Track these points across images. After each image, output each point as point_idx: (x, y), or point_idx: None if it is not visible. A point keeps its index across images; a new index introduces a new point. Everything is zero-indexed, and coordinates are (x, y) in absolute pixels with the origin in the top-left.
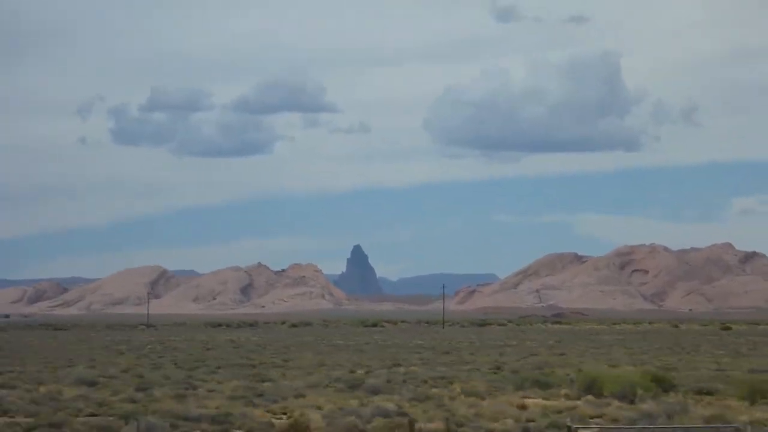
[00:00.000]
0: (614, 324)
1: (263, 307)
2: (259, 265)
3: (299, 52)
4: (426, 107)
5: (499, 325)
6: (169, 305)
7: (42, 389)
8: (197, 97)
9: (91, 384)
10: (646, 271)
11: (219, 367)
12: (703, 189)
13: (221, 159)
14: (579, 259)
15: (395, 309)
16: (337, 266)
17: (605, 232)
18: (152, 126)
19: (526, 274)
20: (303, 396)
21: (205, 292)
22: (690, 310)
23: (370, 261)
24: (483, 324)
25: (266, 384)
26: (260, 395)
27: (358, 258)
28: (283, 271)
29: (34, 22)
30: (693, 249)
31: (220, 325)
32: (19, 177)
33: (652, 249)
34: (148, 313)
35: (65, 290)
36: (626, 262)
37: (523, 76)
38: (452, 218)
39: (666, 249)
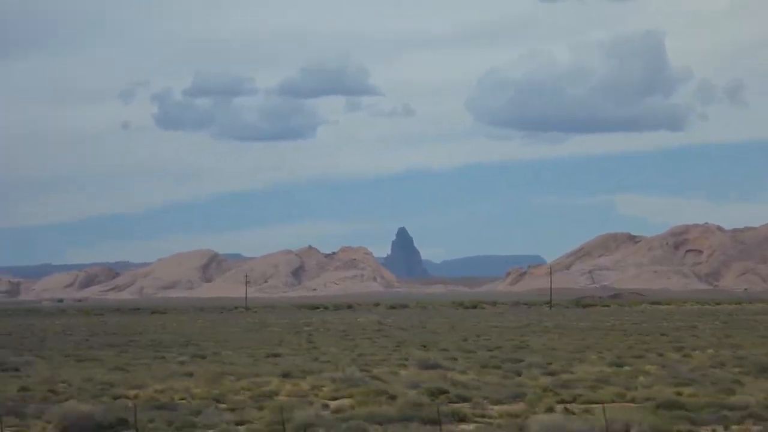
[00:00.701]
0: (681, 304)
1: (315, 290)
2: (310, 248)
3: (341, 35)
4: (469, 89)
5: (604, 306)
6: (221, 289)
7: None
8: (240, 82)
9: (433, 367)
10: (700, 251)
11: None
12: (751, 167)
13: (264, 143)
14: (632, 239)
15: (447, 291)
16: (382, 249)
17: (652, 212)
18: (196, 111)
19: (579, 254)
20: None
21: (256, 276)
22: (745, 289)
23: (415, 244)
24: (585, 305)
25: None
26: None
27: (403, 241)
28: (333, 254)
29: (77, 9)
30: (747, 228)
31: (317, 307)
32: (62, 163)
33: (706, 228)
34: (246, 297)
35: (117, 275)
36: (680, 242)
37: (566, 56)
38: (495, 200)
39: (720, 228)
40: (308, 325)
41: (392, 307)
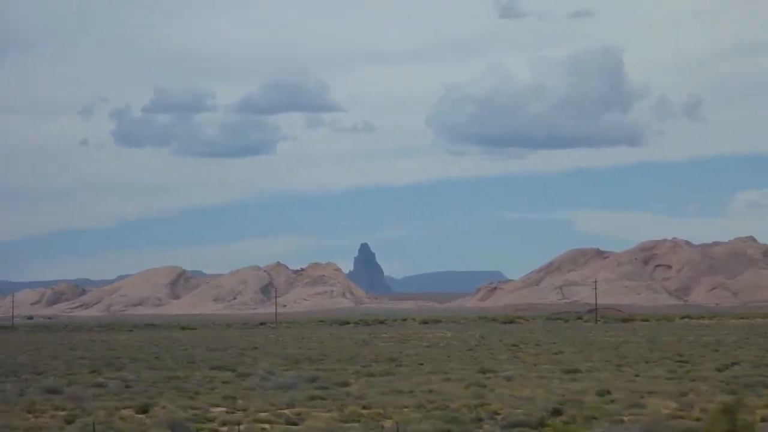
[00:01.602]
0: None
1: (284, 306)
2: (278, 264)
3: (301, 51)
4: (429, 105)
5: (624, 321)
6: (189, 306)
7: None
8: (200, 98)
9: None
10: (669, 266)
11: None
12: (709, 183)
13: (224, 159)
14: (601, 254)
15: (417, 307)
16: (345, 265)
17: (612, 227)
18: (155, 127)
19: (548, 270)
20: None
21: (225, 292)
22: (716, 304)
23: (377, 259)
24: (626, 320)
25: None
26: None
27: (365, 256)
28: (302, 270)
29: (35, 21)
30: (715, 243)
31: (347, 323)
32: (18, 176)
33: (674, 244)
34: (276, 312)
35: (83, 292)
36: (649, 257)
37: (526, 72)
38: (456, 215)
39: (688, 243)
40: (385, 339)
41: (380, 322)
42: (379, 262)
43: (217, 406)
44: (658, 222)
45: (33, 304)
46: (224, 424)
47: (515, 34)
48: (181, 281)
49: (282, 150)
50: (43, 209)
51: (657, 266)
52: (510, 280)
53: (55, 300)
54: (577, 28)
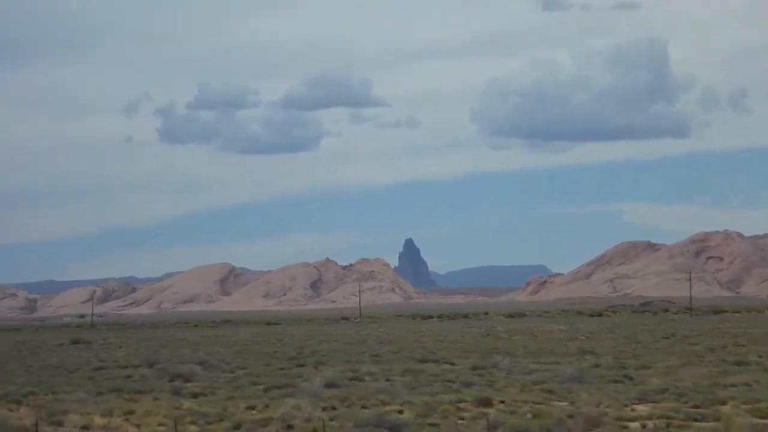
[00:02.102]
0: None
1: (334, 302)
2: (327, 260)
3: (345, 47)
4: (473, 98)
5: (735, 312)
6: (240, 302)
7: None
8: (244, 95)
9: None
10: (721, 258)
11: None
12: (756, 175)
13: (267, 155)
14: (652, 247)
15: (467, 302)
16: (390, 260)
17: (660, 220)
18: (199, 124)
19: (599, 263)
20: None
21: (275, 289)
22: None
23: (422, 254)
24: (717, 311)
25: None
26: None
27: (410, 252)
28: (351, 266)
29: (82, 20)
30: (765, 235)
31: (430, 317)
32: (64, 175)
33: (726, 235)
34: (360, 307)
35: (133, 289)
36: (701, 249)
37: (570, 64)
38: (499, 209)
39: (740, 235)
40: (507, 333)
41: (464, 316)
42: (423, 257)
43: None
44: (707, 214)
45: (83, 302)
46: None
47: (559, 27)
48: (231, 278)
49: (325, 146)
50: (86, 208)
51: (709, 258)
52: (559, 274)
53: (105, 298)
54: (620, 19)
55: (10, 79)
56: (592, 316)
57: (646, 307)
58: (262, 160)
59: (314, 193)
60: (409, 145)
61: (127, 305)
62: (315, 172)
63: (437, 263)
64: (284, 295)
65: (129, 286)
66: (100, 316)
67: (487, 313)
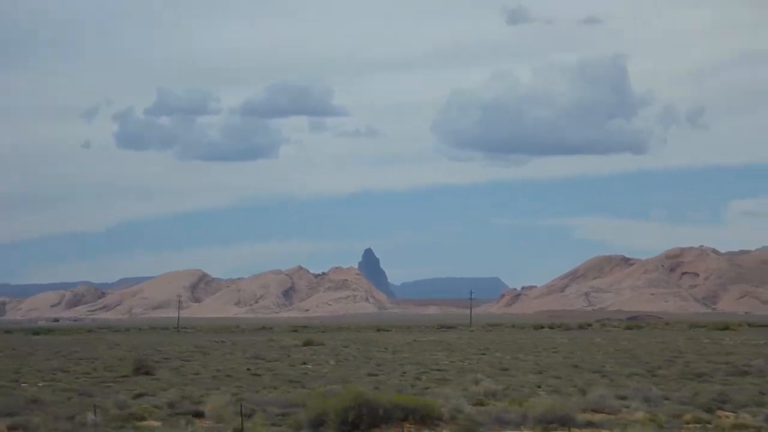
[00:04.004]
0: (721, 328)
1: (307, 310)
2: (300, 268)
3: (306, 56)
4: (434, 110)
5: (749, 325)
6: (210, 309)
7: None
8: (204, 101)
9: None
10: (696, 274)
11: None
12: (707, 192)
13: (226, 163)
14: (626, 261)
15: (443, 312)
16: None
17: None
18: (158, 130)
19: (573, 276)
20: None
21: (247, 296)
22: (746, 313)
23: (381, 265)
24: (724, 328)
25: None
26: None
27: (369, 262)
28: (324, 274)
29: (40, 24)
30: (742, 251)
31: (450, 327)
32: (23, 181)
33: (701, 251)
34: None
35: (103, 294)
36: (675, 264)
37: (531, 78)
38: (457, 221)
39: (715, 251)
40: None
41: (548, 327)
42: (382, 268)
43: None
44: (664, 229)
45: (53, 306)
46: None
47: (522, 41)
48: (201, 284)
49: (284, 153)
50: (42, 212)
51: (684, 274)
52: (533, 287)
53: (75, 302)
54: (584, 35)
55: None
56: (580, 328)
57: (635, 322)
58: (220, 167)
59: (271, 200)
60: (369, 155)
61: (96, 310)
62: (272, 179)
63: (392, 274)
64: (256, 302)
65: (98, 290)
66: (75, 320)
67: (513, 326)
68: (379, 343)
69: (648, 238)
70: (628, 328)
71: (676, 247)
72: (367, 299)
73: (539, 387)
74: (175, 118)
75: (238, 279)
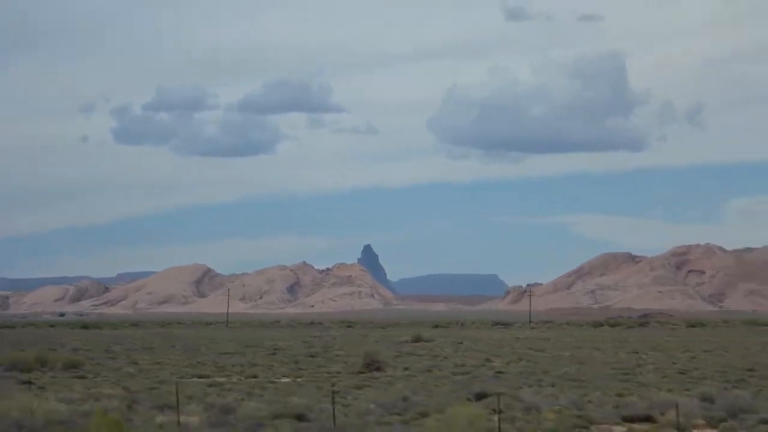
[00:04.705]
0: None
1: (312, 306)
2: (304, 264)
3: (305, 53)
4: (432, 107)
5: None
6: (215, 304)
7: None
8: (202, 97)
9: None
10: (703, 272)
11: None
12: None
13: (223, 159)
14: (632, 259)
15: (449, 309)
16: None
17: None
18: (155, 125)
19: (579, 274)
20: None
21: (251, 292)
22: (754, 310)
23: (380, 261)
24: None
25: None
26: None
27: (368, 258)
28: (328, 270)
29: (38, 21)
30: (748, 249)
31: (498, 323)
32: (21, 176)
33: (707, 249)
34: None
35: (106, 289)
36: (682, 262)
37: (529, 75)
38: (454, 218)
39: (721, 249)
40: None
41: (599, 325)
42: (381, 264)
43: None
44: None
45: (57, 300)
46: None
47: (521, 37)
48: (205, 280)
49: (282, 150)
50: (41, 208)
51: (690, 271)
52: (539, 284)
53: (78, 297)
54: (583, 31)
55: None
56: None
57: (646, 319)
58: (217, 163)
59: (268, 197)
60: (367, 151)
61: (100, 304)
62: (269, 176)
63: (389, 270)
64: (260, 298)
65: (102, 285)
66: (80, 315)
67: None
68: (488, 343)
69: (649, 236)
70: (641, 325)
71: (682, 244)
72: (372, 295)
73: None
74: (173, 113)
75: (242, 274)
